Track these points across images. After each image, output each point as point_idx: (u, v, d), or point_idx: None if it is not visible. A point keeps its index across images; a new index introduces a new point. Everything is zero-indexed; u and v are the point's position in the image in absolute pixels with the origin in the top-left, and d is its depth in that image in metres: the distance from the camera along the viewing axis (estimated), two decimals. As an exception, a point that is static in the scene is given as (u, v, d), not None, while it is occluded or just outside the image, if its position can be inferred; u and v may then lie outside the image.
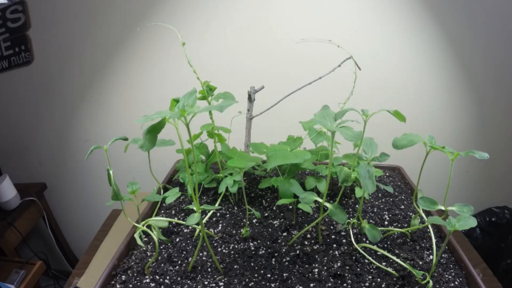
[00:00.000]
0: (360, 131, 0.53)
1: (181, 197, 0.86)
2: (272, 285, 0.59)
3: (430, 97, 1.38)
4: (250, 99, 0.86)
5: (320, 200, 0.61)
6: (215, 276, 0.61)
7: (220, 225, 0.75)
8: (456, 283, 0.59)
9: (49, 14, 1.39)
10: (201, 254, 0.66)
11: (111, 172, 0.57)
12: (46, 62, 1.47)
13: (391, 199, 0.85)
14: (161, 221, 0.73)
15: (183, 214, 0.79)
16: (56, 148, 1.66)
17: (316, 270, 0.61)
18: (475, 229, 1.49)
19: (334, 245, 0.68)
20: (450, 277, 0.60)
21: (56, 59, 1.46)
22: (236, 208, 0.81)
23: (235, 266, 0.63)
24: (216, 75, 1.37)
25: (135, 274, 0.62)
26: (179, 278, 0.61)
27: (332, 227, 0.74)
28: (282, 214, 0.78)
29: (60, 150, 1.66)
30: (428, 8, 1.25)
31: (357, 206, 0.81)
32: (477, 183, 1.58)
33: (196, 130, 0.82)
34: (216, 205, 0.81)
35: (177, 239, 0.71)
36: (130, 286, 0.59)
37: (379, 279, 0.59)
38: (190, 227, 0.75)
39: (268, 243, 0.69)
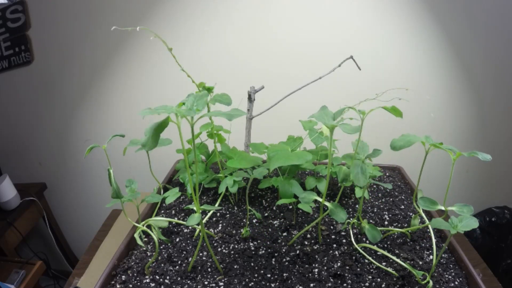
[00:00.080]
0: (358, 126, 0.54)
1: (181, 197, 0.86)
2: (272, 285, 0.59)
3: (430, 97, 1.38)
4: (250, 99, 0.86)
5: (320, 199, 0.61)
6: (215, 276, 0.61)
7: (220, 225, 0.75)
8: (456, 283, 0.59)
9: (49, 14, 1.39)
10: (201, 254, 0.66)
11: (111, 171, 0.57)
12: (46, 62, 1.47)
13: (391, 199, 0.85)
14: (161, 221, 0.74)
15: (183, 214, 0.79)
16: (56, 148, 1.66)
17: (316, 270, 0.61)
18: (475, 229, 1.48)
19: (334, 245, 0.68)
20: (450, 277, 0.60)
21: (56, 59, 1.46)
22: (236, 208, 0.81)
23: (235, 266, 0.63)
24: (216, 75, 1.38)
25: (135, 274, 0.62)
26: (179, 278, 0.61)
27: (332, 227, 0.74)
28: (282, 214, 0.78)
29: (60, 150, 1.66)
30: (428, 8, 1.25)
31: (357, 206, 0.81)
32: (477, 183, 1.58)
33: (196, 130, 0.82)
34: (216, 205, 0.81)
35: (177, 239, 0.71)
36: (130, 286, 0.59)
37: (379, 279, 0.59)
38: (190, 227, 0.75)
39: (268, 243, 0.69)
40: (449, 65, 1.33)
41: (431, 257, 0.65)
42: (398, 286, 0.58)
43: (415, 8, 1.25)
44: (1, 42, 1.46)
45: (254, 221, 0.76)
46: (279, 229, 0.73)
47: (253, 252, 0.66)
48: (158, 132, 0.46)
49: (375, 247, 0.65)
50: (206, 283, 0.59)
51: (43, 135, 1.64)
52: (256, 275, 0.61)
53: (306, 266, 0.63)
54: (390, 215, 0.78)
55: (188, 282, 0.60)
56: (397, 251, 0.66)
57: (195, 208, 0.55)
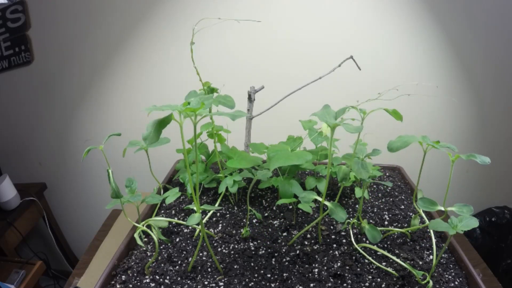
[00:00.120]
0: (359, 125, 0.54)
1: (181, 197, 0.86)
2: (272, 285, 0.59)
3: (430, 97, 1.38)
4: (250, 99, 0.86)
5: (320, 199, 0.62)
6: (215, 276, 0.61)
7: (220, 225, 0.75)
8: (456, 283, 0.59)
9: (49, 14, 1.39)
10: (201, 254, 0.66)
11: (110, 171, 0.57)
12: (46, 62, 1.47)
13: (391, 199, 0.85)
14: (161, 221, 0.74)
15: (183, 214, 0.79)
16: (56, 148, 1.66)
17: (316, 270, 0.61)
18: (475, 229, 1.49)
19: (334, 245, 0.68)
20: (450, 277, 0.60)
21: (56, 59, 1.46)
22: (236, 208, 0.81)
23: (235, 266, 0.63)
24: (216, 75, 1.37)
25: (135, 274, 0.62)
26: (179, 278, 0.61)
27: (332, 227, 0.74)
28: (282, 214, 0.78)
29: (60, 150, 1.66)
30: (428, 8, 1.25)
31: (357, 206, 0.81)
32: (477, 183, 1.58)
33: (197, 130, 0.82)
34: (216, 205, 0.81)
35: (177, 239, 0.71)
36: (130, 286, 0.59)
37: (379, 279, 0.59)
38: (190, 227, 0.75)
39: (268, 243, 0.69)
40: (449, 65, 1.33)
41: (431, 257, 0.65)
42: (398, 286, 0.58)
43: (415, 8, 1.25)
44: (1, 42, 1.46)
45: (254, 221, 0.76)
46: (279, 229, 0.73)
47: (253, 252, 0.66)
48: (160, 128, 0.46)
49: (375, 247, 0.65)
50: (206, 283, 0.59)
51: (43, 135, 1.63)
52: (256, 275, 0.61)
53: (306, 266, 0.63)
54: (390, 215, 0.78)
55: (188, 282, 0.60)
56: (397, 251, 0.66)
57: (195, 208, 0.55)
